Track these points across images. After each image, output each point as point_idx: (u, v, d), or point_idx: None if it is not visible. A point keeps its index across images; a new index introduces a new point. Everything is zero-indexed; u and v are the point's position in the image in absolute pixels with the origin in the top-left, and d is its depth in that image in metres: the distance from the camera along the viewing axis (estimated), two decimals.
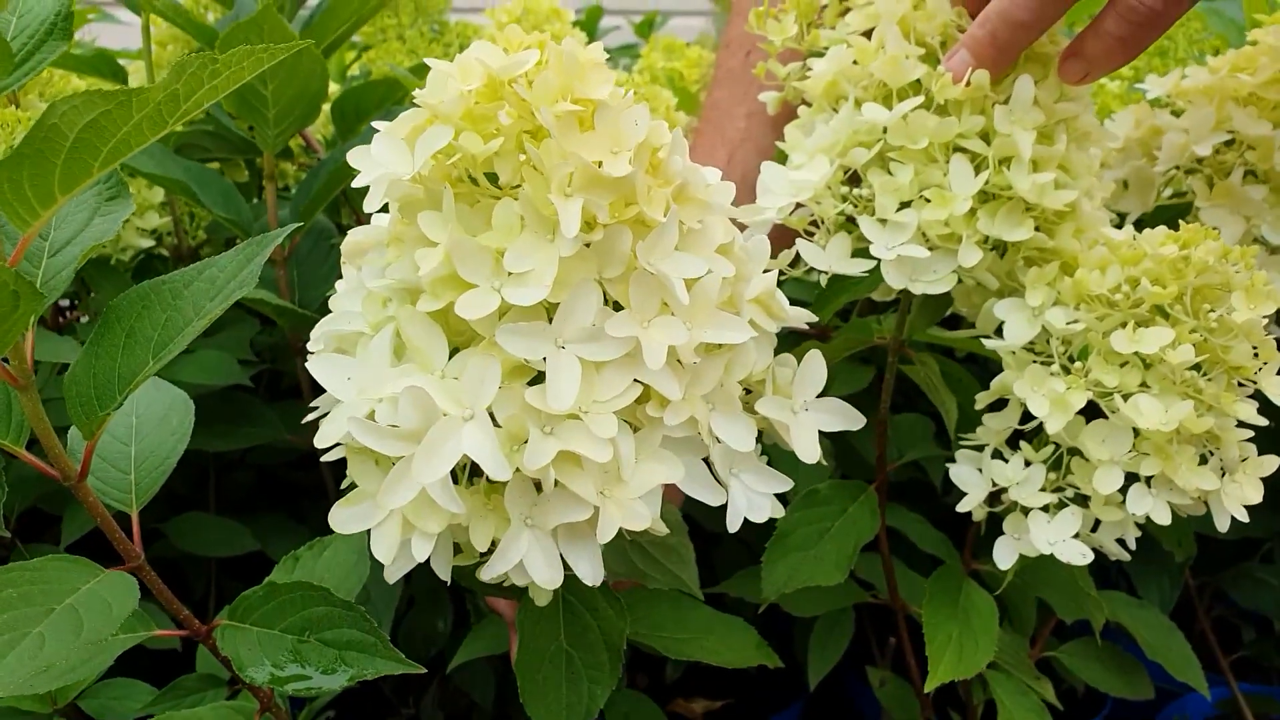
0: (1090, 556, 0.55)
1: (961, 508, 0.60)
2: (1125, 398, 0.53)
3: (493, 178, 0.42)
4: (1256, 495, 0.54)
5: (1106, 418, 0.54)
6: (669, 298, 0.42)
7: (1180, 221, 0.56)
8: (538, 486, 0.42)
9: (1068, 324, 0.55)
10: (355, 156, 0.44)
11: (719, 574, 0.86)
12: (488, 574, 0.43)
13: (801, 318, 0.50)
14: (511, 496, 0.42)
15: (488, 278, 0.40)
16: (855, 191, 0.57)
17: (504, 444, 0.41)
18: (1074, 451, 0.57)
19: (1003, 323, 0.57)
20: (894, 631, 0.80)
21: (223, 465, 0.95)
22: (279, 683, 0.48)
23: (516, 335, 0.40)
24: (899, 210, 0.56)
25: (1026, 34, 0.54)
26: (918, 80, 0.56)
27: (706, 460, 0.45)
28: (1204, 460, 0.55)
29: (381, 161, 0.43)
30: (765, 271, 0.47)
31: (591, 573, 0.44)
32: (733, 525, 0.46)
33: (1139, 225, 0.72)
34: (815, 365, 0.49)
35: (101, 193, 0.49)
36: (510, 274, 0.40)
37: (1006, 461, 0.59)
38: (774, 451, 0.79)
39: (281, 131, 0.82)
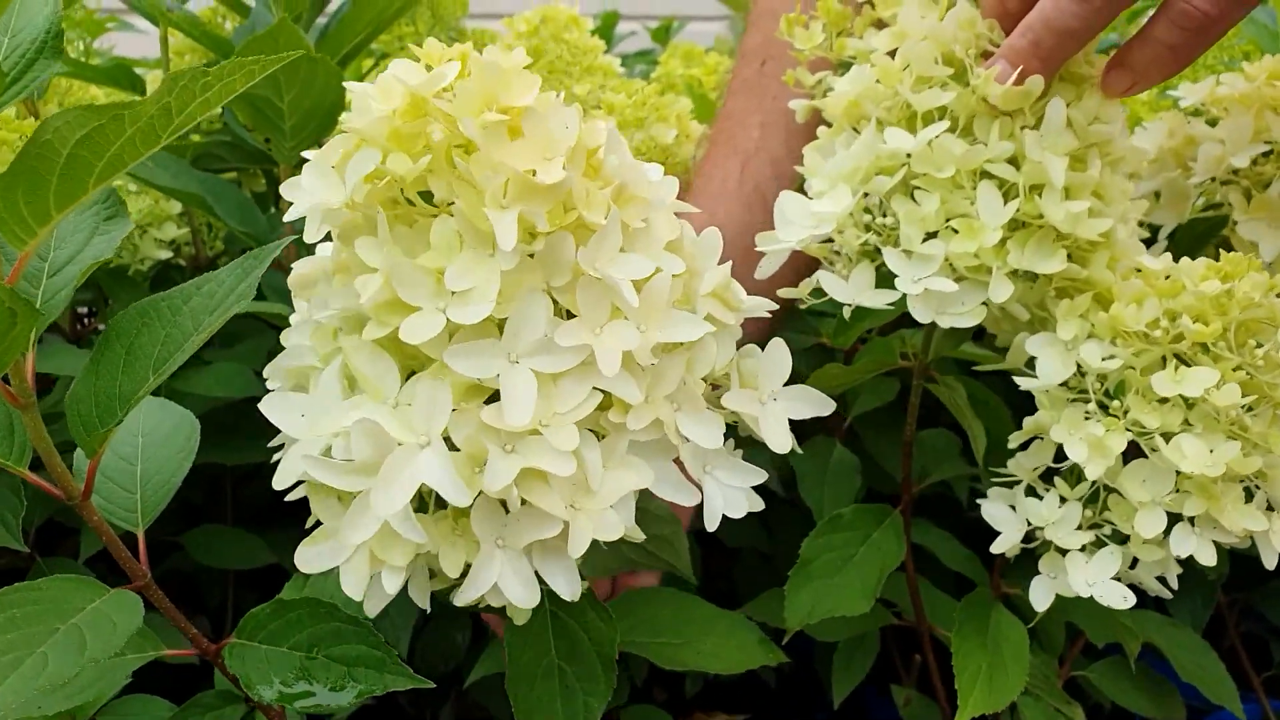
0: (1133, 600, 0.52)
1: (996, 549, 0.56)
2: (1167, 438, 0.49)
3: (429, 196, 0.41)
4: None
5: (1145, 455, 0.51)
6: (619, 301, 0.41)
7: (1220, 251, 0.52)
8: (506, 506, 0.41)
9: (1104, 359, 0.52)
10: (287, 189, 0.43)
11: (739, 590, 0.84)
12: (462, 599, 0.42)
13: (760, 306, 0.49)
14: (479, 520, 0.41)
15: (431, 299, 0.39)
16: (879, 220, 0.53)
17: (464, 467, 0.39)
18: (1111, 488, 0.53)
19: (1034, 358, 0.54)
20: (919, 648, 0.77)
21: (239, 477, 0.93)
22: (287, 700, 0.47)
23: (465, 355, 0.39)
24: (925, 241, 0.52)
25: (1073, 41, 0.51)
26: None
27: (679, 460, 0.45)
28: (1249, 495, 0.51)
29: (312, 191, 0.41)
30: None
31: (569, 588, 0.43)
32: (711, 524, 0.45)
33: (1172, 238, 0.70)
34: (778, 354, 0.47)
35: (100, 212, 0.49)
36: (454, 293, 0.39)
37: (1041, 498, 0.55)
38: (802, 464, 0.77)
39: (298, 143, 0.80)
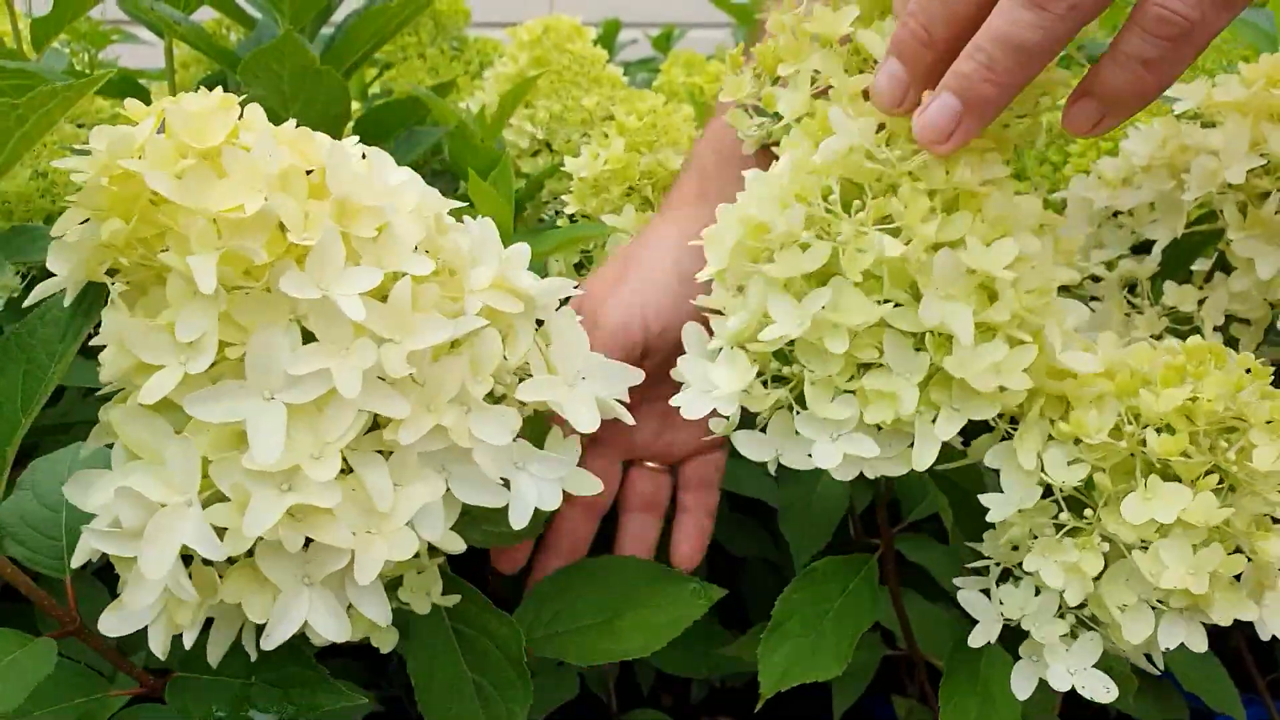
0: (1115, 693, 0.49)
1: (973, 642, 0.52)
2: (1145, 546, 0.46)
3: None
4: None
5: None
6: (349, 317, 0.39)
7: (1177, 342, 0.48)
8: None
9: (1070, 464, 0.47)
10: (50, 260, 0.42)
11: (748, 603, 0.83)
12: (271, 641, 0.42)
13: (561, 288, 0.48)
14: (266, 564, 0.41)
15: (172, 355, 0.39)
16: (790, 369, 0.48)
17: (235, 516, 0.39)
18: None
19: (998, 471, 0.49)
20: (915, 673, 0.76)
21: None
22: None
23: (208, 401, 0.39)
24: (836, 398, 0.47)
25: (1033, 61, 0.43)
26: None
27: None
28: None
29: (56, 269, 0.42)
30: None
31: (380, 615, 0.43)
32: (519, 520, 0.45)
33: (1166, 251, 0.65)
34: (568, 333, 0.47)
35: None
36: (189, 345, 0.38)
37: (1018, 582, 0.51)
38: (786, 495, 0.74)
39: None
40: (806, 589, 0.60)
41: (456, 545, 0.45)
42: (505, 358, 0.46)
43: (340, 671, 0.72)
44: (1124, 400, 0.47)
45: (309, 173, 0.41)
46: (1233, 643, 0.91)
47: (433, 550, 0.50)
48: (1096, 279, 0.69)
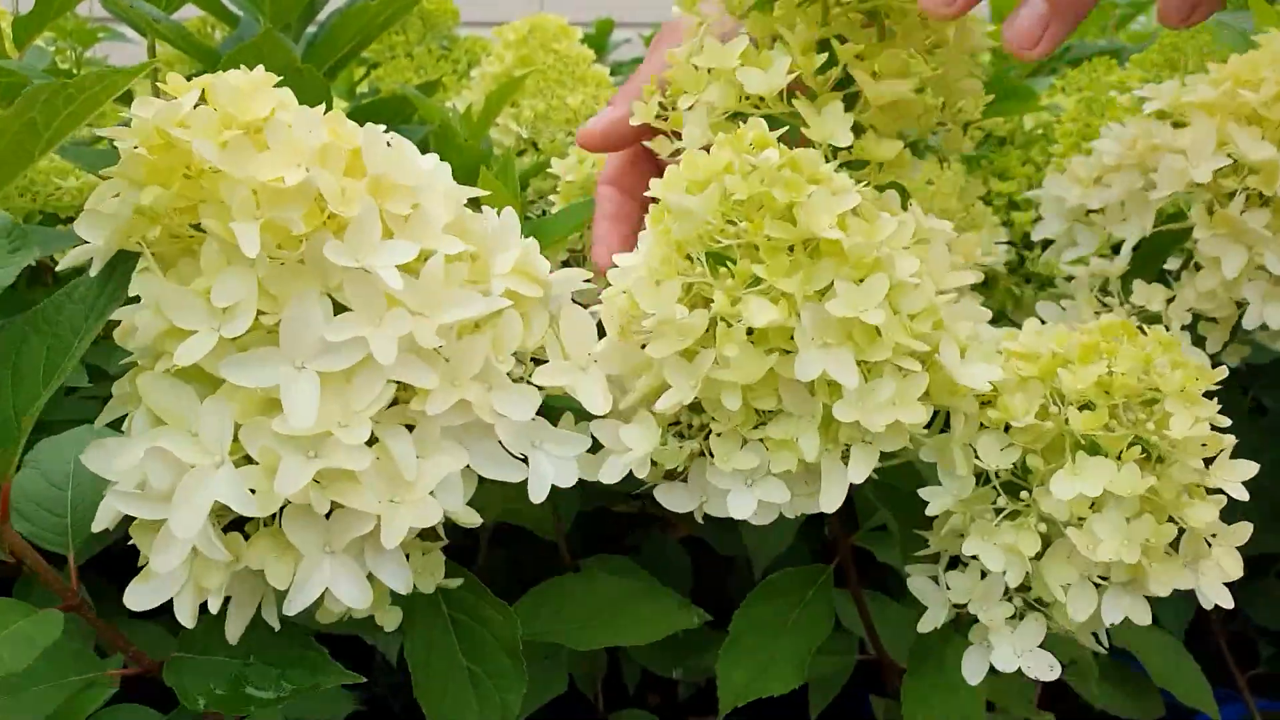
0: (1059, 670, 0.49)
1: (922, 628, 0.53)
2: (1081, 522, 0.47)
3: None
4: (1237, 569, 0.48)
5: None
6: (387, 288, 0.41)
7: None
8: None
9: (1003, 450, 0.48)
10: (79, 227, 0.43)
11: (735, 601, 0.84)
12: (290, 608, 0.43)
13: (574, 278, 0.49)
14: (292, 528, 0.42)
15: (206, 320, 0.40)
16: (701, 418, 0.48)
17: (263, 480, 0.40)
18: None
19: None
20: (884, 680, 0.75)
21: None
22: (221, 705, 0.48)
23: (242, 365, 0.40)
24: (745, 446, 0.47)
25: None
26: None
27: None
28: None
29: (90, 238, 0.43)
30: None
31: (401, 582, 0.44)
32: (538, 495, 0.46)
33: (1136, 249, 0.67)
34: (576, 321, 0.48)
35: (4, 246, 0.48)
36: (224, 310, 0.40)
37: (965, 568, 0.51)
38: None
39: None
40: (764, 602, 0.61)
41: (473, 519, 0.45)
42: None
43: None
44: (1047, 382, 0.48)
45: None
46: (1214, 642, 0.93)
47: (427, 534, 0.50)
48: (1069, 278, 0.71)
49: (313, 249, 0.41)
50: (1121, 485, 0.45)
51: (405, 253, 0.41)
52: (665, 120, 0.54)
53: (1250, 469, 0.48)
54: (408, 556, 0.51)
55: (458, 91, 1.06)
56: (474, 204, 0.50)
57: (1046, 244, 0.75)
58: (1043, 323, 0.66)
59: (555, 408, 0.48)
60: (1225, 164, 0.61)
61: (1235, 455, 0.49)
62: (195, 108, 0.40)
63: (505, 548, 0.89)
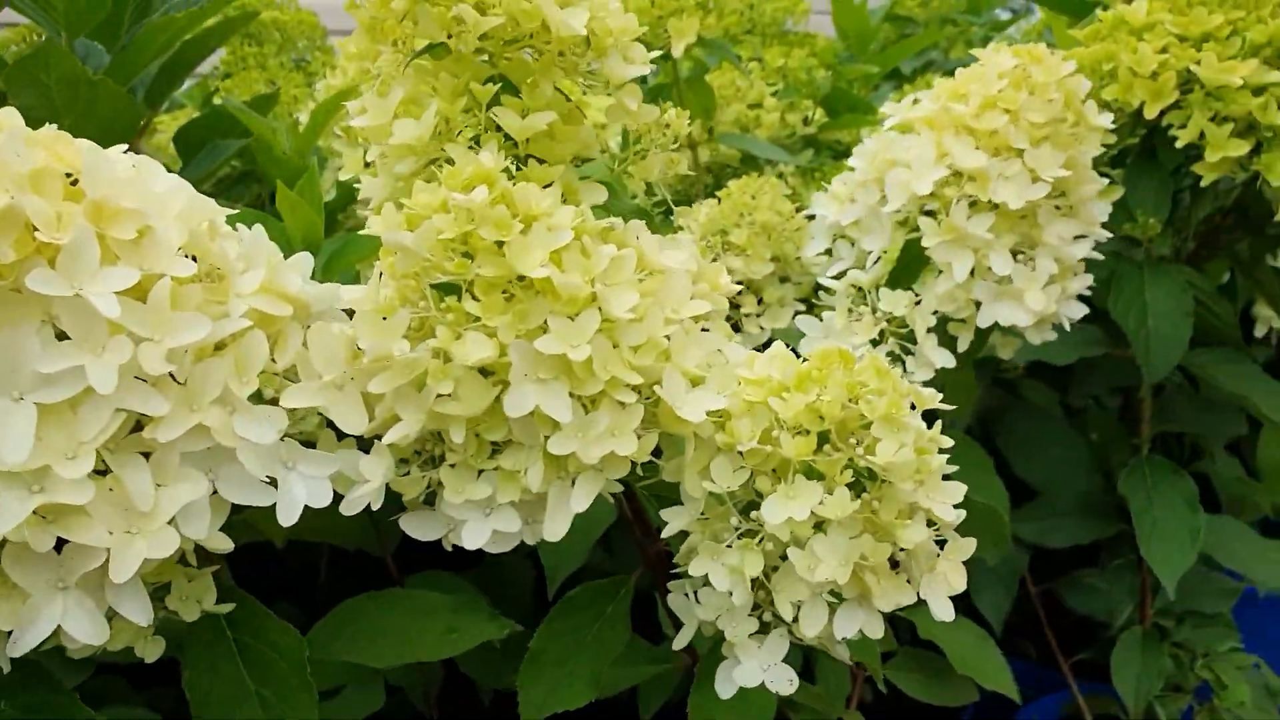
0: (796, 685, 0.50)
1: (677, 645, 0.54)
2: (802, 544, 0.48)
3: None
4: (961, 582, 0.49)
5: None
6: (103, 315, 0.40)
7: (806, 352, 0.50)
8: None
9: (735, 471, 0.49)
10: None
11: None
12: (17, 649, 0.41)
13: (333, 294, 0.49)
14: (14, 567, 0.41)
15: None
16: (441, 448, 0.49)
17: None
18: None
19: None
20: None
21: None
22: None
23: None
24: (480, 478, 0.48)
25: None
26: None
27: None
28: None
29: None
30: None
31: (141, 615, 0.43)
32: (289, 517, 0.45)
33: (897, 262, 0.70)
34: (320, 340, 0.48)
35: None
36: None
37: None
38: None
39: None
40: (563, 618, 0.62)
41: (224, 545, 0.45)
42: (274, 360, 0.47)
43: (105, 687, 0.70)
44: (770, 408, 0.49)
45: (70, 177, 0.42)
46: (1044, 633, 0.99)
47: (207, 558, 0.50)
48: (831, 291, 0.74)
49: (21, 276, 0.40)
50: (831, 509, 0.46)
51: (125, 279, 0.41)
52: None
53: (959, 490, 0.49)
54: (169, 586, 0.51)
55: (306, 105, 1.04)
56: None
57: None
58: (803, 336, 0.72)
59: None
60: (945, 174, 0.65)
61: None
62: None
63: (344, 568, 0.88)
